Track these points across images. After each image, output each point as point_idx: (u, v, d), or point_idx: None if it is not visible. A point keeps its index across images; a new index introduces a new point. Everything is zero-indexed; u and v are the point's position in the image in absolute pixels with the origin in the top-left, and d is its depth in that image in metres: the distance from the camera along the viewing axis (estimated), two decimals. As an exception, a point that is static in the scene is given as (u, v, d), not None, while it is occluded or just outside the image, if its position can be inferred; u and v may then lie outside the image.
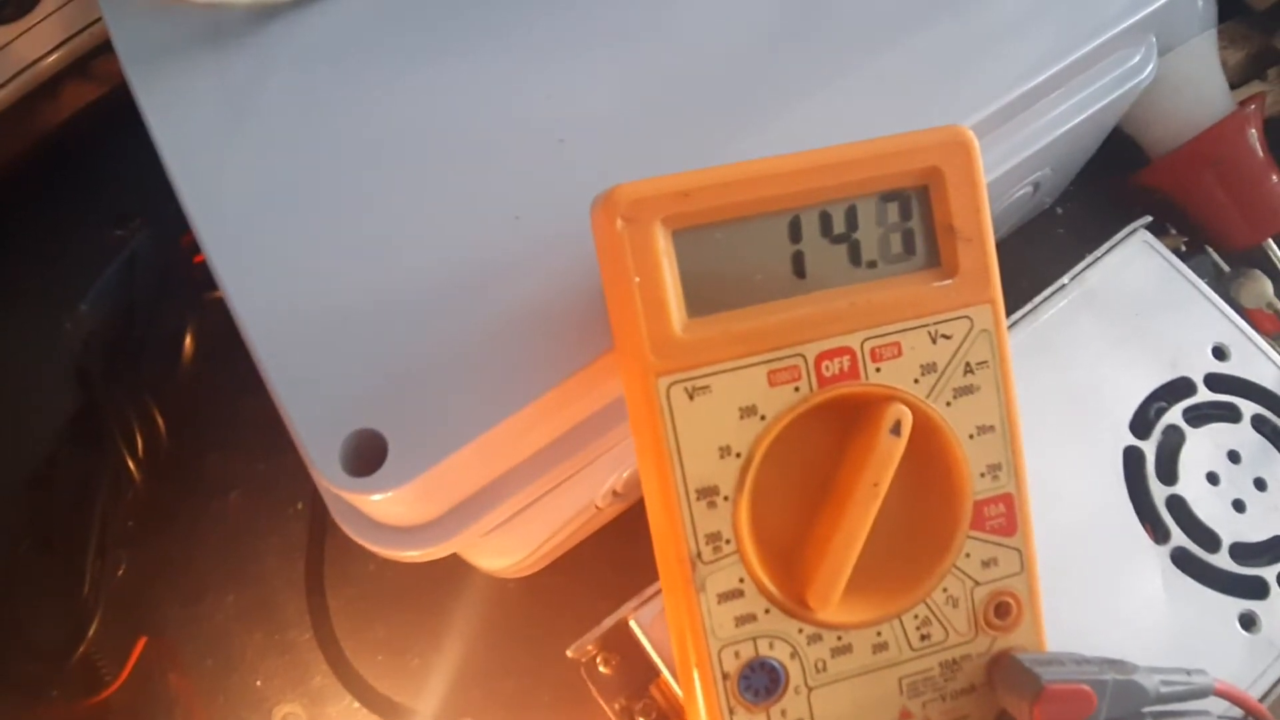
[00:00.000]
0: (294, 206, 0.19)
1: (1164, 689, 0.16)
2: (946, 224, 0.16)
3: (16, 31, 0.28)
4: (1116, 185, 0.32)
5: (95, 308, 0.29)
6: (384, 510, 0.17)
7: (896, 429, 0.15)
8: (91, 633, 0.26)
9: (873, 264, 0.16)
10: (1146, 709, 0.16)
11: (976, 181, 0.16)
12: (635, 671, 0.22)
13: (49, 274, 0.31)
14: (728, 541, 0.15)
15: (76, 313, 0.29)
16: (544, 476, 0.18)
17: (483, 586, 0.26)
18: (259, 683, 0.26)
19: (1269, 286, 0.27)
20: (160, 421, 0.27)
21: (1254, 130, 0.29)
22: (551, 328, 0.17)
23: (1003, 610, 0.16)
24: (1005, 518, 0.16)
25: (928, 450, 0.16)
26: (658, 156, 0.19)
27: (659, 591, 0.21)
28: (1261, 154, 0.29)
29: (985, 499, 0.16)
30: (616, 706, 0.22)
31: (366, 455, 0.16)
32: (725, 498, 0.15)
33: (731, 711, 0.15)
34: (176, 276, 0.28)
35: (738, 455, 0.15)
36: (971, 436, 0.16)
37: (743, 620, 0.15)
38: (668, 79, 0.20)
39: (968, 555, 0.16)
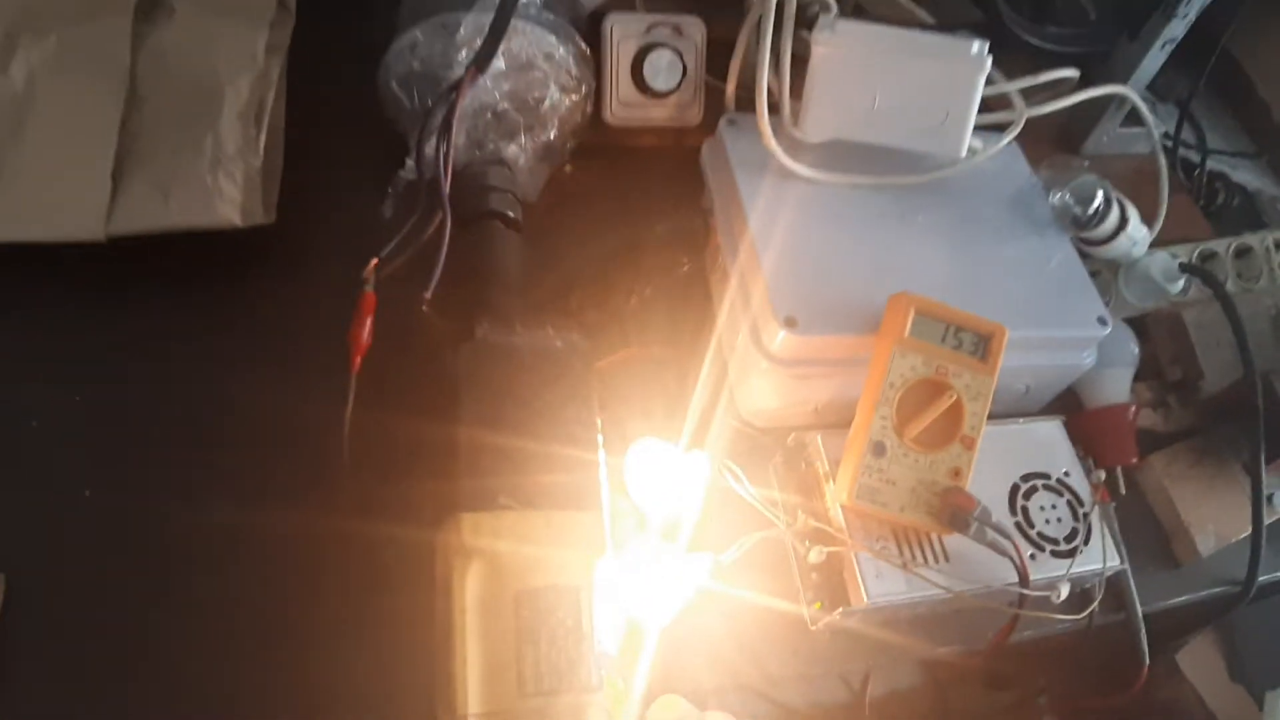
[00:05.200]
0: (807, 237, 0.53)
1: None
2: (995, 354, 0.49)
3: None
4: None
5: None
6: (782, 345, 0.50)
7: (951, 398, 0.48)
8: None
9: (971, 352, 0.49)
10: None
11: (1002, 347, 0.50)
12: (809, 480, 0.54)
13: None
14: (888, 409, 0.48)
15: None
16: (827, 375, 0.51)
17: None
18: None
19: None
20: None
21: (1131, 417, 0.62)
22: (868, 317, 0.51)
23: (957, 475, 0.49)
24: (969, 444, 0.49)
25: (956, 410, 0.49)
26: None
27: (824, 433, 0.53)
28: (1129, 427, 0.62)
29: (966, 436, 0.49)
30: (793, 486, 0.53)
31: (790, 323, 0.50)
32: (893, 394, 0.48)
33: (869, 453, 0.48)
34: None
35: (901, 384, 0.48)
36: (973, 416, 0.49)
37: (881, 430, 0.48)
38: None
39: (951, 451, 0.49)
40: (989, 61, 0.54)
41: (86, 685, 0.45)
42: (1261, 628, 0.71)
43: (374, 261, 0.48)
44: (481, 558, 0.41)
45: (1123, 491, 0.62)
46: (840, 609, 0.48)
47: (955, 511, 0.47)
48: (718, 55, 0.64)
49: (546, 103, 0.55)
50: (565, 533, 0.43)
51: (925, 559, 0.49)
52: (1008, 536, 0.49)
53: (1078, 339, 0.57)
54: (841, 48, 0.54)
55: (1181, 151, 0.81)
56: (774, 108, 0.57)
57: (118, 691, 0.45)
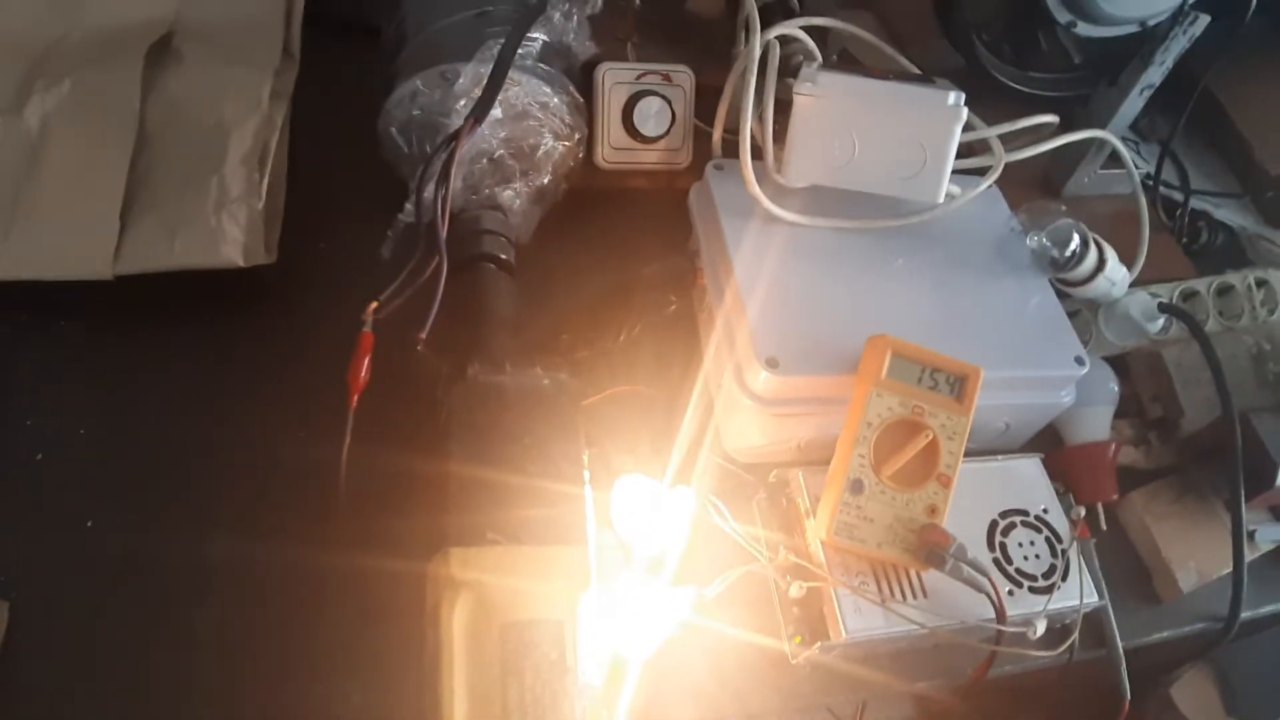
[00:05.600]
0: (790, 280, 0.55)
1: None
2: (970, 394, 0.51)
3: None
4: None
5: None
6: (764, 385, 0.52)
7: (927, 437, 0.50)
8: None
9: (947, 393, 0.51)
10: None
11: (977, 387, 0.51)
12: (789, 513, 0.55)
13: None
14: (866, 448, 0.49)
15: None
16: (809, 414, 0.53)
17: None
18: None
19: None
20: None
21: (1111, 454, 0.64)
22: (848, 358, 0.52)
23: (933, 512, 0.50)
24: (945, 482, 0.50)
25: (932, 448, 0.50)
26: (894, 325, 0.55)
27: (805, 470, 0.54)
28: (1109, 464, 0.64)
29: (942, 474, 0.50)
30: (775, 522, 0.55)
31: (772, 364, 0.51)
32: (870, 433, 0.49)
33: (847, 491, 0.49)
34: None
35: (878, 423, 0.50)
36: (949, 455, 0.50)
37: (859, 468, 0.49)
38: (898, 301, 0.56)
39: (928, 489, 0.50)
40: (965, 112, 0.56)
41: (87, 712, 0.46)
42: (1256, 662, 0.72)
43: (373, 304, 0.49)
44: (469, 591, 0.43)
45: (1103, 528, 0.63)
46: (819, 643, 0.49)
47: (931, 548, 0.49)
48: (707, 101, 0.66)
49: (541, 150, 0.58)
50: (551, 567, 0.45)
51: (903, 595, 0.50)
52: (984, 573, 0.50)
53: (1056, 378, 0.58)
54: (823, 98, 0.56)
55: (1164, 191, 0.83)
56: (758, 154, 0.59)
57: (117, 718, 0.46)
